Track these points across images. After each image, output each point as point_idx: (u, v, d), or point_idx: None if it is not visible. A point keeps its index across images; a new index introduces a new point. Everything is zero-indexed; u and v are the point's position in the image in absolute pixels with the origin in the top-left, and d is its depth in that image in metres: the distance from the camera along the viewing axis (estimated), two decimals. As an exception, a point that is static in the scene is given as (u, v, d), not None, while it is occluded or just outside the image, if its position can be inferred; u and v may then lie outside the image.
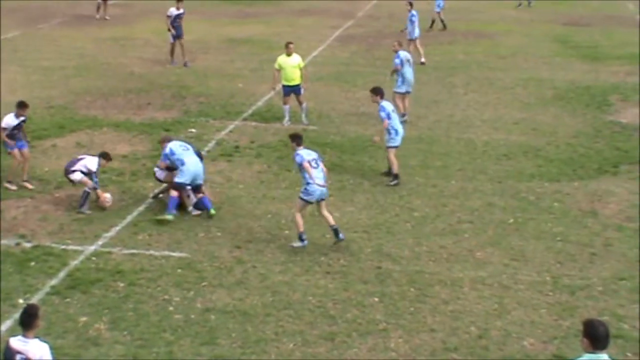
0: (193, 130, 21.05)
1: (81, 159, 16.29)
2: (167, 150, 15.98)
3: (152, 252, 14.36)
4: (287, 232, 15.26)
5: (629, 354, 11.36)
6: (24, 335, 8.50)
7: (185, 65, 28.35)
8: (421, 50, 29.70)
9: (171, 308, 12.49)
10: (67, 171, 16.07)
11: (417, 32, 30.04)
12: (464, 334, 12.00)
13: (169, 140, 16.49)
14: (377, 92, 17.97)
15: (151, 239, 14.89)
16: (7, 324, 11.84)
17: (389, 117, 17.77)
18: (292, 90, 21.62)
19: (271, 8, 42.22)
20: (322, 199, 14.79)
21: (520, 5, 43.05)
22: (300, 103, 21.77)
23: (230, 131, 21.27)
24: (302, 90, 21.62)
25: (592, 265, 14.14)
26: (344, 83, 26.18)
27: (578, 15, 41.37)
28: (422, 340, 11.84)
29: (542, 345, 11.70)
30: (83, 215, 15.72)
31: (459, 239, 15.20)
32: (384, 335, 11.92)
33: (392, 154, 17.89)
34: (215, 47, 31.89)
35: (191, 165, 15.85)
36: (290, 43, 22.16)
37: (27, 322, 8.53)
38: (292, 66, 21.61)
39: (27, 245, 14.44)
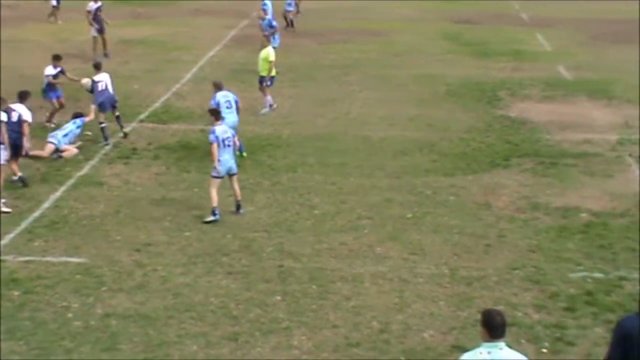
0: (89, 133, 20.68)
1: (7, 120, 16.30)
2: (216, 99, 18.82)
3: (49, 258, 14.06)
4: (187, 233, 15.16)
5: (522, 341, 11.70)
6: None
7: (105, 56, 28.77)
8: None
9: (70, 315, 12.26)
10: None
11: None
12: (365, 328, 12.15)
13: (220, 88, 19.27)
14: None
15: (47, 245, 14.59)
16: None
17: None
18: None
19: (165, 9, 41.81)
20: (232, 174, 15.98)
21: None
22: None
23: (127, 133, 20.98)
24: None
25: (487, 257, 14.50)
26: (241, 83, 26.10)
27: (468, 13, 42.34)
28: (324, 336, 11.93)
29: (442, 337, 11.94)
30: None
31: (358, 234, 15.37)
32: (287, 334, 11.97)
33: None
34: (109, 48, 31.33)
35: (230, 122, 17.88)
36: None
37: None
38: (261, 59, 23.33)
39: None
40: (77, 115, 20.25)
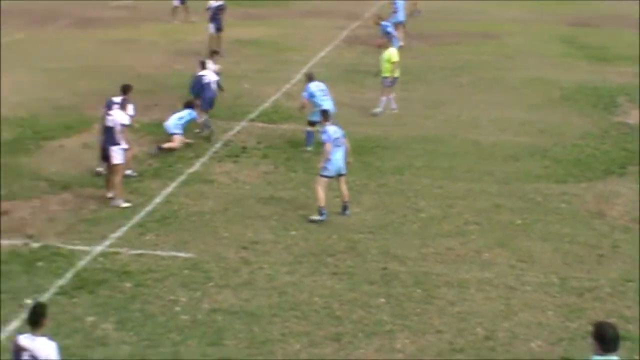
0: (199, 130, 21.04)
1: (114, 125, 16.30)
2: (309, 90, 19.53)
3: (159, 252, 14.37)
4: (293, 233, 15.26)
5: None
6: (32, 333, 8.57)
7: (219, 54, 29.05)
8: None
9: (178, 308, 12.49)
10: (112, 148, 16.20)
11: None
12: (470, 335, 11.99)
13: (311, 79, 19.89)
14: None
15: (158, 239, 14.91)
16: (15, 323, 11.85)
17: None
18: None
19: (277, 9, 42.18)
20: (341, 175, 15.98)
21: None
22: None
23: (238, 132, 21.28)
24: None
25: (599, 267, 14.11)
26: (351, 84, 26.16)
27: (585, 15, 41.26)
28: (428, 341, 11.83)
29: (550, 347, 11.68)
30: (90, 215, 15.75)
31: (465, 240, 15.18)
32: (390, 336, 11.91)
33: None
34: (224, 48, 31.82)
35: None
36: None
37: (35, 320, 8.61)
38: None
39: (35, 245, 14.46)
40: (188, 105, 20.53)
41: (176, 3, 36.92)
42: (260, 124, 22.06)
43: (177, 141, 19.66)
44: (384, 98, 23.27)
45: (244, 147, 20.03)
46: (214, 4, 30.48)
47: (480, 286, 13.42)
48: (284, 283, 13.38)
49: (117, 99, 17.32)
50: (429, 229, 15.65)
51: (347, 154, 16.21)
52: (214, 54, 23.60)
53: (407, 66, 28.71)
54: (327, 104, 19.21)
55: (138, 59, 29.61)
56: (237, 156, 19.42)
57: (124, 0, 43.20)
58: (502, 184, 18.06)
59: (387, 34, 27.64)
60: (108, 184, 16.52)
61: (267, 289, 13.18)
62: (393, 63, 23.13)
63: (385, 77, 23.19)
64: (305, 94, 19.78)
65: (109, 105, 17.08)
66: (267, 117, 22.71)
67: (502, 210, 16.56)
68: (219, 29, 30.30)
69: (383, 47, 24.77)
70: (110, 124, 16.25)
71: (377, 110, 23.14)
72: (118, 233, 15.08)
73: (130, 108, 17.63)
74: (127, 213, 15.91)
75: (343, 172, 16.08)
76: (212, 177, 18.01)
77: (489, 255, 14.55)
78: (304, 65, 28.85)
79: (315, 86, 19.80)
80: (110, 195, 16.38)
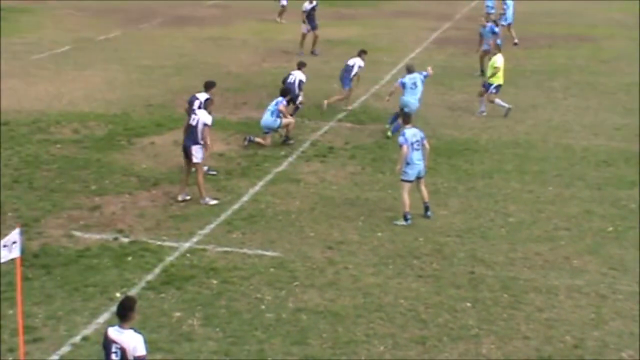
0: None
1: (196, 123, 16.29)
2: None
3: (245, 250, 14.48)
4: (379, 234, 15.19)
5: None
6: (120, 326, 8.74)
7: (313, 53, 30.28)
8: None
9: (263, 307, 12.56)
10: (194, 147, 16.22)
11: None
12: (558, 342, 11.74)
13: (410, 71, 20.97)
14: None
15: (245, 237, 15.02)
16: (105, 316, 12.10)
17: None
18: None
19: (368, 9, 42.17)
20: (420, 177, 15.85)
21: None
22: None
23: (325, 132, 21.32)
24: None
25: (695, 277, 13.66)
26: (440, 86, 25.95)
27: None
28: (515, 347, 11.63)
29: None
30: (179, 212, 15.96)
31: (555, 245, 14.89)
32: (475, 341, 11.75)
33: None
34: (312, 48, 31.97)
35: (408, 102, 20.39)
36: None
37: (123, 313, 8.77)
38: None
39: (125, 240, 14.74)
40: (284, 94, 20.61)
41: (284, 2, 37.16)
42: (348, 125, 22.06)
43: (268, 140, 19.83)
44: (483, 98, 23.10)
45: (332, 147, 20.05)
46: (308, 5, 30.90)
47: (570, 293, 13.14)
48: (369, 284, 13.33)
49: (201, 96, 17.40)
50: (518, 233, 15.39)
51: (427, 156, 16.07)
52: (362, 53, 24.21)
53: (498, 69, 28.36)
54: (411, 97, 20.41)
55: (229, 57, 29.98)
56: (324, 156, 19.45)
57: None
58: (594, 189, 17.66)
59: (494, 34, 27.30)
60: (182, 184, 16.60)
61: (352, 289, 13.15)
62: (495, 68, 22.84)
63: (489, 83, 23.02)
64: (398, 82, 21.15)
65: (192, 102, 17.30)
66: (355, 117, 22.69)
67: (593, 217, 16.19)
68: (313, 28, 30.71)
69: (491, 53, 24.46)
70: (193, 122, 16.38)
71: (481, 110, 23.13)
72: (206, 230, 15.25)
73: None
74: (215, 211, 16.08)
75: (422, 174, 15.94)
76: (299, 177, 18.07)
77: (579, 262, 14.23)
78: (393, 65, 28.76)
79: (410, 78, 20.84)
80: (180, 197, 16.47)
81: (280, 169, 18.56)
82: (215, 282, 13.30)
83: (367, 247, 14.70)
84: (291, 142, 20.18)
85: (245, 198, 16.83)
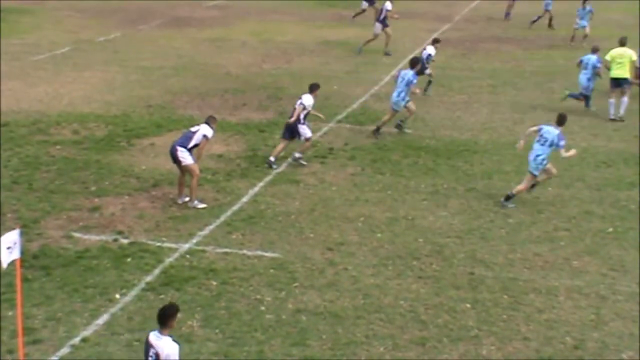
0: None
1: (196, 131, 16.23)
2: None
3: (245, 251, 14.47)
4: (379, 235, 15.20)
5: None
6: (160, 332, 8.86)
7: (387, 54, 30.99)
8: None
9: (263, 308, 12.56)
10: (180, 149, 16.05)
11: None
12: (558, 343, 11.74)
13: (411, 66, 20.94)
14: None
15: (244, 238, 15.02)
16: (105, 317, 12.09)
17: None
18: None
19: (367, 11, 42.07)
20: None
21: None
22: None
23: (325, 133, 21.31)
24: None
25: (694, 278, 13.67)
26: (440, 87, 25.95)
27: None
28: (515, 348, 11.63)
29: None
30: (178, 213, 15.95)
31: (554, 246, 14.89)
32: (475, 342, 11.75)
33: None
34: (311, 49, 32.02)
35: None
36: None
37: (163, 320, 8.88)
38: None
39: (124, 241, 14.73)
40: (413, 64, 21.12)
41: (365, 5, 37.10)
42: (348, 126, 22.06)
43: (412, 107, 20.96)
44: (612, 100, 23.18)
45: (331, 148, 20.04)
46: (389, 5, 31.39)
47: (570, 294, 13.14)
48: (369, 285, 13.33)
49: (306, 98, 18.56)
50: (517, 234, 15.40)
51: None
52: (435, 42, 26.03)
53: (497, 70, 28.46)
54: (395, 92, 20.77)
55: (228, 58, 29.97)
56: (324, 157, 19.44)
57: (217, 0, 43.79)
58: (594, 190, 17.66)
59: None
60: (179, 187, 16.54)
61: (351, 290, 13.15)
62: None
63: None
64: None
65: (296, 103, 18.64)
66: (354, 118, 22.69)
67: (592, 218, 16.20)
68: (386, 26, 31.32)
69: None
70: (194, 129, 16.33)
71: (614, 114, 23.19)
72: (205, 231, 15.25)
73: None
74: (214, 212, 16.07)
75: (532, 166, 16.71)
76: (299, 178, 18.07)
77: (579, 263, 14.24)
78: (393, 67, 28.75)
79: (403, 73, 20.92)
80: (180, 200, 16.43)
81: (279, 169, 18.55)
82: (214, 283, 13.29)
83: (366, 247, 14.70)
84: (406, 130, 21.25)
85: (244, 199, 16.82)
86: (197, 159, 16.22)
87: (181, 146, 16.07)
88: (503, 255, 14.48)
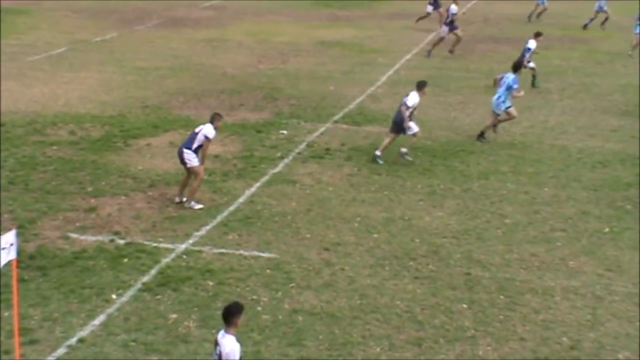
0: (284, 132, 21.17)
1: (199, 131, 16.19)
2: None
3: (241, 252, 14.47)
4: (376, 235, 15.20)
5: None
6: (225, 330, 9.01)
7: (450, 52, 31.48)
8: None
9: (259, 308, 12.56)
10: (185, 151, 16.05)
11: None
12: (555, 344, 11.76)
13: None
14: None
15: (241, 239, 15.01)
16: (101, 318, 12.09)
17: None
18: None
19: (363, 11, 42.20)
20: None
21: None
22: None
23: (321, 133, 21.31)
24: None
25: (691, 278, 13.68)
26: (436, 87, 25.92)
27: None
28: (511, 348, 11.64)
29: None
30: (175, 213, 15.94)
31: (551, 247, 14.91)
32: (472, 343, 11.76)
33: None
34: (307, 49, 32.02)
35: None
36: None
37: (226, 318, 9.02)
38: None
39: (121, 242, 14.72)
40: (515, 68, 21.14)
41: (429, 9, 37.02)
42: (345, 126, 22.06)
43: (513, 112, 20.87)
44: None
45: (328, 149, 20.05)
46: (456, 8, 31.46)
47: (566, 294, 13.16)
48: (366, 285, 13.33)
49: (410, 97, 18.93)
50: (514, 234, 15.41)
51: None
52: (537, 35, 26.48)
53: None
54: (495, 95, 20.88)
55: (224, 58, 29.97)
56: (320, 157, 19.44)
57: (213, 0, 43.79)
58: (590, 190, 17.69)
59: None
60: (180, 186, 16.55)
61: (348, 291, 13.16)
62: None
63: None
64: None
65: (401, 102, 19.04)
66: (351, 119, 22.69)
67: (589, 218, 16.22)
68: (454, 28, 31.42)
69: None
70: (197, 129, 16.34)
71: None
72: (202, 232, 15.24)
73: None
74: (211, 212, 16.07)
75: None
76: (295, 178, 18.07)
77: (575, 264, 14.26)
78: (389, 67, 28.79)
79: (505, 77, 20.93)
80: (177, 199, 16.44)
81: (276, 170, 18.55)
82: (211, 283, 13.28)
83: (363, 248, 14.71)
84: (483, 139, 20.88)
85: (241, 199, 16.82)
86: (202, 161, 16.24)
87: (186, 148, 16.09)
88: (499, 256, 14.49)
